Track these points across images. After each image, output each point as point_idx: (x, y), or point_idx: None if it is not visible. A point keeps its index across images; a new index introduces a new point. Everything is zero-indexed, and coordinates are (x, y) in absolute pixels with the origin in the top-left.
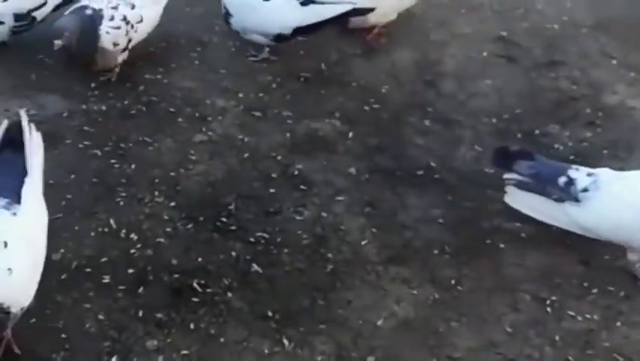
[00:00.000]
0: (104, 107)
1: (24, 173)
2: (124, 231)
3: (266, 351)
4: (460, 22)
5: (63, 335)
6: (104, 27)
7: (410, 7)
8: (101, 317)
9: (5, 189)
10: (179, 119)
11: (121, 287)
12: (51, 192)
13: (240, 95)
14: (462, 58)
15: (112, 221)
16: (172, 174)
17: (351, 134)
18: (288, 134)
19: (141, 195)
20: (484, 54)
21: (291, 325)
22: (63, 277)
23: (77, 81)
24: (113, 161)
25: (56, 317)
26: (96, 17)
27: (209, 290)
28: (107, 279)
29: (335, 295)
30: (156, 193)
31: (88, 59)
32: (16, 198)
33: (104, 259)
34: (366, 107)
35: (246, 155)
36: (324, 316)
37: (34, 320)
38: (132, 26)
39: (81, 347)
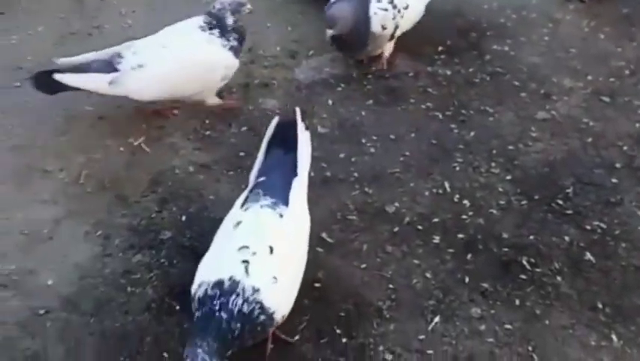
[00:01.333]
0: (448, 72)
1: (293, 174)
2: (457, 196)
3: (592, 343)
4: None
5: (390, 285)
6: (373, 8)
7: None
8: (428, 275)
9: (273, 188)
10: (523, 94)
11: (450, 250)
12: (391, 146)
13: (589, 77)
14: None
15: (446, 184)
16: (510, 147)
17: None
18: (637, 125)
19: (477, 163)
20: None
21: (621, 321)
22: (395, 229)
23: (425, 43)
24: (452, 125)
25: (385, 267)
26: (367, 0)
27: (538, 270)
28: (436, 239)
29: None
30: (493, 164)
31: (361, 44)
32: (283, 199)
33: (435, 220)
34: None
35: (590, 140)
36: None
37: (364, 265)
38: (399, 11)
39: (406, 301)
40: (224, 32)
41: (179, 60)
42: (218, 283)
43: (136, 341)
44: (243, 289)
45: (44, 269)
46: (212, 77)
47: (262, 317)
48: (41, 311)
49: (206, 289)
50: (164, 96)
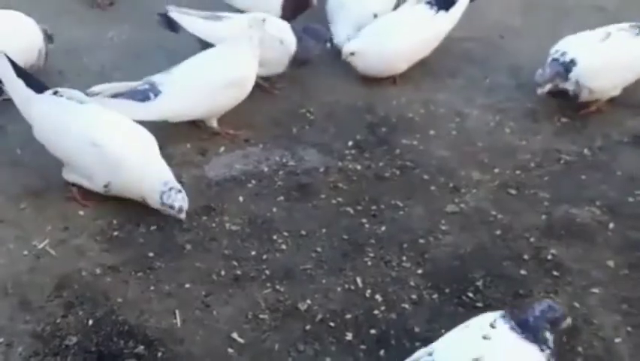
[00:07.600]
0: (358, 167)
1: None
2: (369, 291)
3: None
4: None
5: None
6: None
7: None
8: None
9: None
10: (432, 188)
11: (362, 346)
12: (302, 243)
13: (496, 170)
14: None
15: (358, 279)
16: (421, 241)
17: (611, 225)
18: (543, 217)
19: (389, 257)
20: None
21: None
22: (307, 327)
23: (336, 139)
24: (363, 220)
25: None
26: None
27: None
28: (349, 336)
29: None
30: (404, 258)
31: None
32: None
33: (347, 316)
34: (631, 199)
35: (498, 232)
36: None
37: None
38: None
39: None
40: None
41: None
42: None
43: None
44: None
45: None
46: None
47: None
48: None
49: None
50: None
